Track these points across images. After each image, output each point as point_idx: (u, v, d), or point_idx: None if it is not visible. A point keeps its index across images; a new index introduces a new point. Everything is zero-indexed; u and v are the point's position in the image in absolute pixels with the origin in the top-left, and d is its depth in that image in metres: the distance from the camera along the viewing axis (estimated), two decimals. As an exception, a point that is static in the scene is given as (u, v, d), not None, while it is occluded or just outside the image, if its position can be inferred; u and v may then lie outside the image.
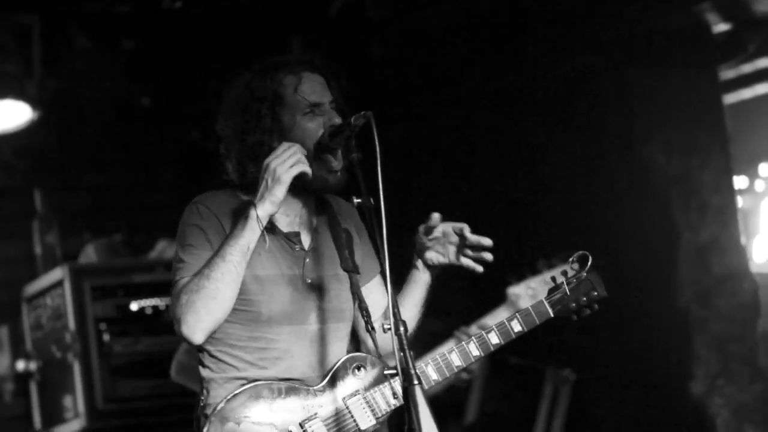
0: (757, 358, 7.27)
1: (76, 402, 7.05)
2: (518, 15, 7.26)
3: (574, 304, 4.31)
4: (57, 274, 7.21)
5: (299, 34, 7.44)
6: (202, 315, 3.94)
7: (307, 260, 4.15)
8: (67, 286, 7.09)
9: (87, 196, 8.08)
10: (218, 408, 3.99)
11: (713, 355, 7.21)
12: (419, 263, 4.23)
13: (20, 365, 7.49)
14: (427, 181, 7.69)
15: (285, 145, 4.01)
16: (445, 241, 4.16)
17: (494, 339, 4.21)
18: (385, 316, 4.15)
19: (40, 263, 7.63)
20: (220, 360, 4.09)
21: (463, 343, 4.20)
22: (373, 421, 4.07)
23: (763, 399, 7.22)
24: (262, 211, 3.97)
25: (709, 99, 7.52)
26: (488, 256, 4.12)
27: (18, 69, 7.27)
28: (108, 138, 8.06)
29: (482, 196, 7.67)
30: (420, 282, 4.24)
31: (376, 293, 4.26)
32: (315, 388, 4.07)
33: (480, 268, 4.15)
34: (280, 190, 3.96)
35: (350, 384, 4.11)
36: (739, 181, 7.76)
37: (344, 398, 4.08)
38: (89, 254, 7.62)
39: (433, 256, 4.20)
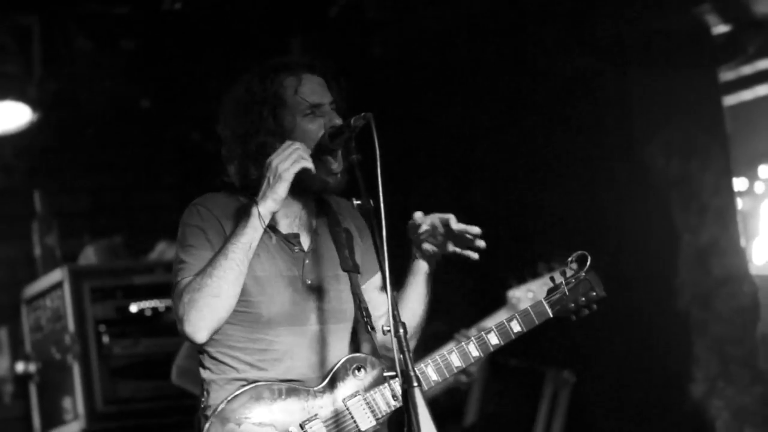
0: (756, 360, 7.27)
1: (75, 404, 7.05)
2: (518, 16, 7.27)
3: (573, 305, 4.30)
4: (56, 275, 7.21)
5: (299, 35, 7.44)
6: (205, 313, 3.94)
7: (307, 261, 4.15)
8: (67, 288, 7.09)
9: (87, 198, 8.08)
10: (219, 409, 3.99)
11: (713, 357, 7.21)
12: (416, 253, 4.21)
13: (20, 367, 7.48)
14: (427, 183, 7.69)
15: (287, 143, 4.01)
16: (436, 233, 4.15)
17: (494, 340, 4.21)
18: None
19: (40, 265, 7.63)
20: (220, 361, 4.09)
21: (462, 344, 4.20)
22: (373, 422, 4.07)
23: (763, 401, 7.21)
24: (264, 208, 3.97)
25: (708, 100, 7.52)
26: (480, 243, 4.10)
27: (18, 70, 7.27)
28: (108, 139, 8.06)
29: (482, 198, 7.67)
30: (420, 272, 4.22)
31: (378, 291, 4.26)
32: (315, 389, 4.07)
33: (474, 256, 4.12)
34: (282, 188, 3.96)
35: (350, 385, 4.10)
36: (739, 183, 7.75)
37: (344, 399, 4.08)
38: (89, 256, 7.62)
39: (428, 247, 4.19)
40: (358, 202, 3.96)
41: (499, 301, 5.99)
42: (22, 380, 7.57)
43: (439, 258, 4.21)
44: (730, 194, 7.47)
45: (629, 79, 7.38)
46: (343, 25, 7.34)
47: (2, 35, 7.21)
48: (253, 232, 3.96)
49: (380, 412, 4.09)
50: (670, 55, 7.29)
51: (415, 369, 3.72)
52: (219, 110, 4.22)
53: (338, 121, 4.10)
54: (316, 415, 4.04)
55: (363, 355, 4.15)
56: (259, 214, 3.96)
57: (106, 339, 7.09)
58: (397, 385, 3.99)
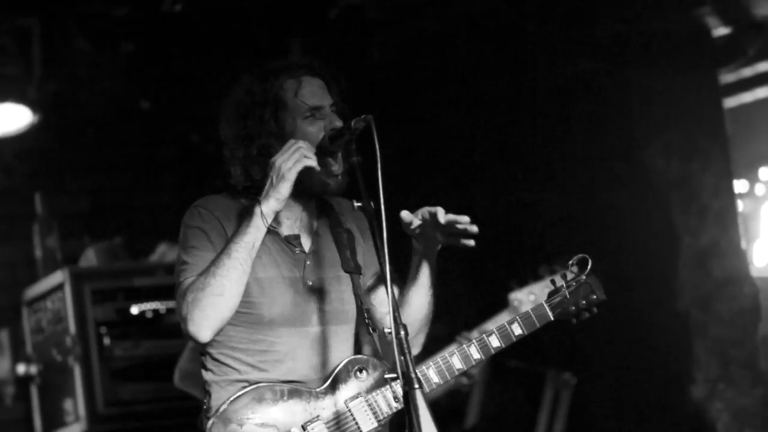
0: (757, 362, 7.27)
1: (76, 405, 7.04)
2: (519, 17, 7.27)
3: (573, 308, 4.32)
4: (57, 277, 7.21)
5: (299, 36, 7.43)
6: (209, 312, 3.95)
7: (308, 263, 4.16)
8: (68, 290, 7.08)
9: (87, 199, 8.08)
10: (221, 409, 4.01)
11: (714, 359, 7.21)
12: (414, 243, 4.20)
13: (21, 369, 7.48)
14: (427, 185, 7.69)
15: (291, 141, 4.02)
16: (428, 225, 4.13)
17: (495, 342, 4.22)
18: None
19: (41, 266, 7.62)
20: (221, 363, 4.10)
21: (464, 346, 4.20)
22: (375, 424, 4.08)
23: (763, 403, 7.21)
24: (267, 207, 3.97)
25: (709, 102, 7.52)
26: (473, 229, 4.08)
27: (18, 72, 7.27)
28: (108, 140, 8.05)
29: (483, 200, 7.67)
30: (421, 265, 4.19)
31: (382, 288, 4.26)
32: (317, 390, 4.08)
33: (470, 242, 4.09)
34: (285, 187, 3.97)
35: (352, 386, 4.11)
36: (740, 185, 7.75)
37: (346, 401, 4.08)
38: (89, 257, 7.61)
39: (424, 241, 4.17)
40: (359, 204, 3.96)
41: (500, 304, 5.99)
42: (23, 382, 7.56)
43: (438, 249, 4.17)
44: (731, 196, 7.47)
45: (629, 80, 7.38)
46: (343, 27, 7.34)
47: (2, 37, 7.21)
48: (256, 231, 3.97)
49: (382, 413, 4.09)
50: (671, 56, 7.29)
51: (417, 371, 3.73)
52: (219, 112, 4.22)
53: (338, 124, 4.10)
54: (318, 416, 4.05)
55: (365, 357, 4.16)
56: (262, 213, 3.97)
57: (107, 341, 7.09)
58: (398, 386, 3.99)
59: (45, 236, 7.63)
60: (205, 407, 4.10)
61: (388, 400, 4.10)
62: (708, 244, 7.28)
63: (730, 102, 7.80)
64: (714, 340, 7.21)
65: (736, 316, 7.24)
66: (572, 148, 7.49)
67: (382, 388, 4.11)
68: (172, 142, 8.14)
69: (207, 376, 4.13)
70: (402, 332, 3.72)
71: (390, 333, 3.72)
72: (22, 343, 7.57)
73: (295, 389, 4.05)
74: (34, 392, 7.51)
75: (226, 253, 3.95)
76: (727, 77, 7.73)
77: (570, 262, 4.34)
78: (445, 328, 5.56)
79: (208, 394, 4.12)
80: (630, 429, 7.34)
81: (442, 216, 4.04)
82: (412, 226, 4.09)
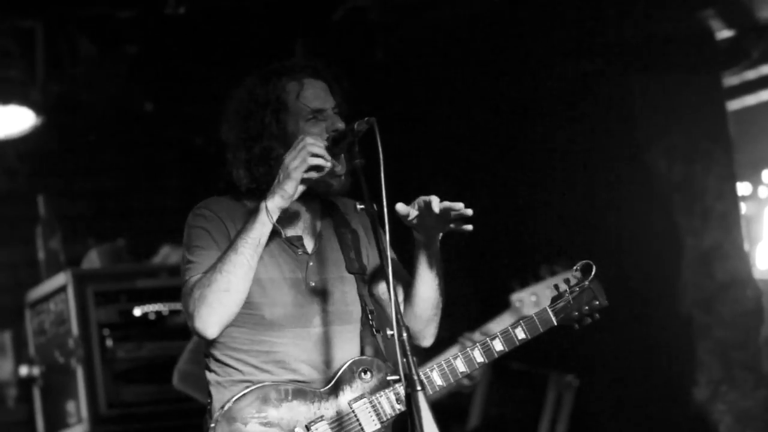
0: (760, 364, 7.27)
1: (79, 407, 7.04)
2: (522, 20, 7.27)
3: (576, 313, 4.32)
4: (60, 279, 7.21)
5: (302, 38, 7.44)
6: (216, 308, 3.95)
7: (311, 264, 4.16)
8: (70, 292, 7.09)
9: (90, 201, 8.09)
10: (225, 408, 4.01)
11: (716, 361, 7.21)
12: (415, 234, 4.19)
13: (23, 370, 7.48)
14: (429, 185, 7.66)
15: (300, 138, 4.01)
16: (425, 214, 4.11)
17: (498, 346, 4.22)
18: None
19: (44, 268, 7.63)
20: (225, 364, 4.11)
21: (467, 349, 4.21)
22: (378, 426, 4.08)
23: (765, 405, 7.21)
24: (273, 204, 3.97)
25: (712, 105, 7.53)
26: (467, 212, 4.05)
27: (21, 74, 7.27)
28: (111, 143, 8.07)
29: (485, 201, 7.64)
30: (424, 256, 4.18)
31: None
32: (321, 390, 4.08)
33: (468, 227, 4.09)
34: (290, 185, 3.97)
35: (356, 387, 4.11)
36: (743, 188, 7.76)
37: (350, 402, 4.09)
38: (92, 259, 7.62)
39: (424, 231, 4.15)
40: (362, 206, 3.97)
41: (502, 304, 5.99)
42: (25, 384, 7.57)
43: (440, 237, 4.16)
44: (734, 198, 7.47)
45: (632, 82, 7.38)
46: (346, 29, 7.34)
47: (5, 39, 7.21)
48: (261, 227, 3.97)
49: (385, 415, 4.09)
50: (674, 59, 7.30)
51: (421, 373, 3.73)
52: (222, 114, 4.23)
53: (341, 126, 4.10)
54: (321, 416, 4.05)
55: (369, 358, 4.16)
56: (267, 209, 3.97)
57: (109, 342, 7.09)
58: (401, 388, 4.00)
59: (48, 238, 7.64)
60: (208, 408, 4.11)
61: (392, 401, 4.10)
62: (711, 246, 7.28)
63: (734, 105, 7.81)
64: (717, 342, 7.21)
65: (738, 319, 7.24)
66: (575, 150, 7.49)
67: (386, 390, 4.11)
68: (176, 144, 8.14)
69: (211, 377, 4.14)
70: (404, 334, 3.72)
71: (392, 334, 3.73)
72: (25, 345, 7.57)
73: (299, 389, 4.06)
74: (36, 394, 7.52)
75: (232, 249, 3.96)
76: (731, 80, 7.74)
77: (574, 267, 4.35)
78: (447, 330, 5.56)
79: (211, 395, 4.12)
80: (632, 430, 7.33)
81: (437, 204, 4.04)
82: (410, 218, 4.09)
